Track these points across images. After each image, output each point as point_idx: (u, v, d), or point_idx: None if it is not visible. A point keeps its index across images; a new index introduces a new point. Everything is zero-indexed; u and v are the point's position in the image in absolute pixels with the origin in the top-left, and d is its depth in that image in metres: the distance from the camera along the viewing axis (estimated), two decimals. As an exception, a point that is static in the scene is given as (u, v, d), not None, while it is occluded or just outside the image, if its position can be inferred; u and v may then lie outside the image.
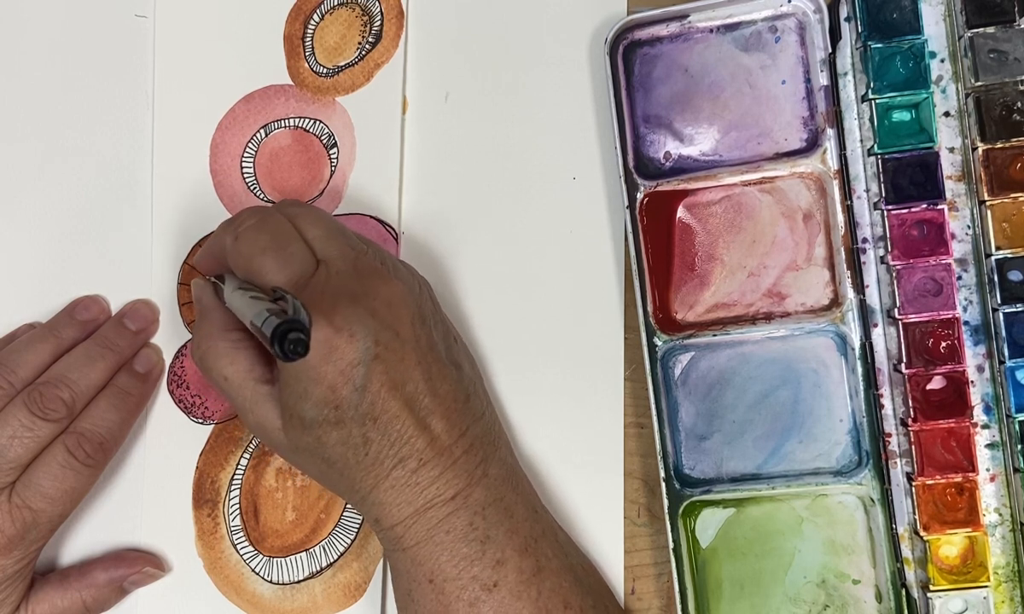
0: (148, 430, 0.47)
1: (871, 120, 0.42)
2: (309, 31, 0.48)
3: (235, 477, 0.47)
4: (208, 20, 0.49)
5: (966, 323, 0.42)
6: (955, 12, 0.42)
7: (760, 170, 0.44)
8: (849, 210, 0.43)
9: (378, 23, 0.48)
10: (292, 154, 0.48)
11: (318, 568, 0.46)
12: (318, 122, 0.48)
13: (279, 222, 0.40)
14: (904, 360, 0.41)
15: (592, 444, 0.45)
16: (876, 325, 0.43)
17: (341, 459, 0.39)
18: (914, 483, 0.41)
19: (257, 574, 0.46)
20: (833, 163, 0.43)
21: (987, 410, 0.42)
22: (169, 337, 0.48)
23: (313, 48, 0.48)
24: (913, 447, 0.41)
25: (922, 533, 0.41)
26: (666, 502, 0.43)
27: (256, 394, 0.40)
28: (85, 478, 0.43)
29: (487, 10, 0.47)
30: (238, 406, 0.41)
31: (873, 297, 0.43)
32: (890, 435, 0.42)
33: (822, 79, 0.44)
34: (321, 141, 0.48)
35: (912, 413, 0.41)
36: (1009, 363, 0.41)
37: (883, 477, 0.42)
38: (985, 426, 0.42)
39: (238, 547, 0.46)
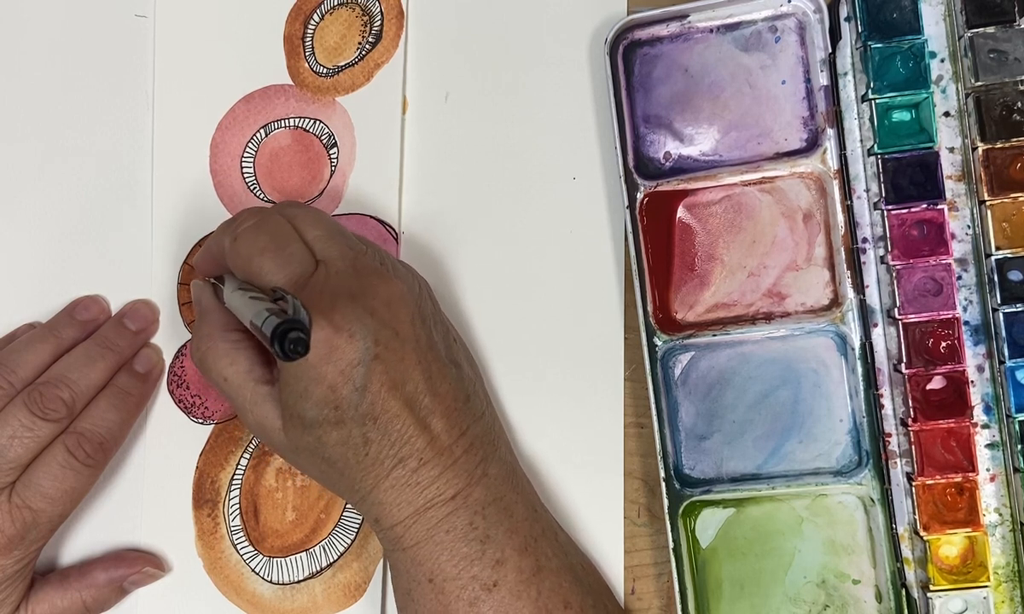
0: (148, 430, 0.47)
1: (871, 120, 0.42)
2: (309, 31, 0.48)
3: (235, 477, 0.47)
4: (208, 20, 0.49)
5: (966, 323, 0.42)
6: (955, 12, 0.42)
7: (760, 170, 0.44)
8: (849, 210, 0.43)
9: (378, 23, 0.48)
10: (292, 154, 0.48)
11: (318, 568, 0.46)
12: (318, 122, 0.48)
13: (278, 223, 0.40)
14: (904, 360, 0.41)
15: (592, 444, 0.45)
16: (876, 325, 0.43)
17: (341, 459, 0.39)
18: (914, 483, 0.41)
19: (257, 574, 0.46)
20: (833, 163, 0.43)
21: (987, 410, 0.42)
22: (169, 337, 0.48)
23: (313, 48, 0.48)
24: (913, 447, 0.41)
25: (922, 533, 0.41)
26: (666, 502, 0.43)
27: (256, 394, 0.40)
28: (85, 478, 0.43)
29: (487, 10, 0.47)
30: (238, 406, 0.41)
31: (873, 297, 0.43)
32: (890, 435, 0.42)
33: (822, 79, 0.44)
34: (321, 141, 0.48)
35: (912, 413, 0.41)
36: (1009, 363, 0.41)
37: (883, 477, 0.42)
38: (985, 426, 0.42)
39: (238, 547, 0.46)
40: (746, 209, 0.44)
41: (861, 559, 0.43)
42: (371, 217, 0.47)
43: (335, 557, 0.46)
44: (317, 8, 0.48)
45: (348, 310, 0.37)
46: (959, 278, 0.42)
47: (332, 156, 0.48)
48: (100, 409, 0.44)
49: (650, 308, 0.44)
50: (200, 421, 0.47)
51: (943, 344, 0.41)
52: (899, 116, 0.42)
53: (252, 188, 0.48)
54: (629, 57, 0.45)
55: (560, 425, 0.45)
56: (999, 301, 0.41)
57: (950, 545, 0.41)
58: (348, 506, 0.46)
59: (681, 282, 0.44)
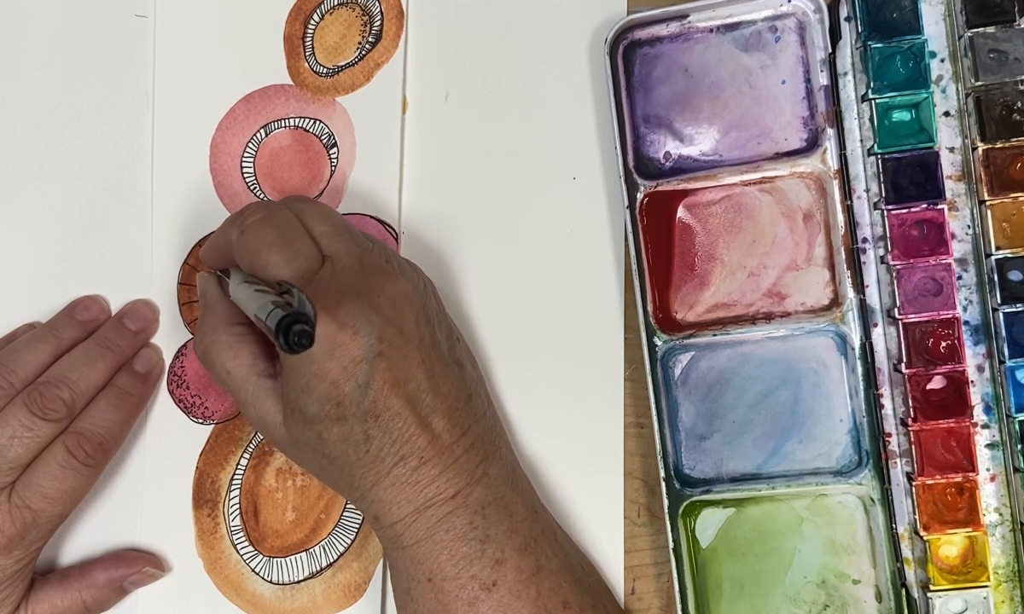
0: (148, 430, 0.47)
1: (871, 120, 0.42)
2: (309, 31, 0.48)
3: (235, 477, 0.47)
4: (208, 20, 0.49)
5: (966, 323, 0.42)
6: (955, 12, 0.42)
7: (760, 170, 0.44)
8: (849, 210, 0.43)
9: (378, 23, 0.48)
10: (292, 154, 0.48)
11: (318, 568, 0.46)
12: (318, 122, 0.48)
13: (286, 217, 0.40)
14: (904, 360, 0.41)
15: (592, 444, 0.45)
16: (876, 325, 0.43)
17: (342, 455, 0.39)
18: (914, 483, 0.41)
19: (257, 574, 0.46)
20: (833, 163, 0.43)
21: (987, 410, 0.42)
22: (169, 337, 0.48)
23: (313, 48, 0.48)
24: (913, 447, 0.41)
25: (922, 533, 0.41)
26: (666, 502, 0.43)
27: (258, 388, 0.40)
28: (85, 478, 0.43)
29: (487, 10, 0.47)
30: (240, 400, 0.41)
31: (873, 297, 0.43)
32: (890, 435, 0.42)
33: (822, 79, 0.44)
34: (321, 141, 0.48)
35: (912, 413, 0.41)
36: (1009, 363, 0.41)
37: (883, 477, 0.42)
38: (985, 426, 0.42)
39: (238, 547, 0.46)
40: (746, 209, 0.44)
41: (861, 559, 0.43)
42: (371, 217, 0.47)
43: (335, 557, 0.46)
44: (317, 8, 0.48)
45: (353, 307, 0.37)
46: (959, 278, 0.42)
47: (332, 156, 0.48)
48: (100, 409, 0.44)
49: (650, 308, 0.44)
50: (200, 421, 0.47)
51: (943, 344, 0.41)
52: (899, 116, 0.42)
53: (252, 188, 0.48)
54: (629, 57, 0.45)
55: (560, 425, 0.45)
56: (999, 301, 0.41)
57: (950, 545, 0.41)
58: (348, 506, 0.46)
59: (681, 282, 0.44)
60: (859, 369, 0.43)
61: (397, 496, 0.39)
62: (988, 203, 0.41)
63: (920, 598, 0.42)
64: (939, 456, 0.41)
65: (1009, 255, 0.41)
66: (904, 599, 0.42)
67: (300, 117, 0.48)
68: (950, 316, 0.41)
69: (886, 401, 0.43)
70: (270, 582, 0.46)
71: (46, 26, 0.50)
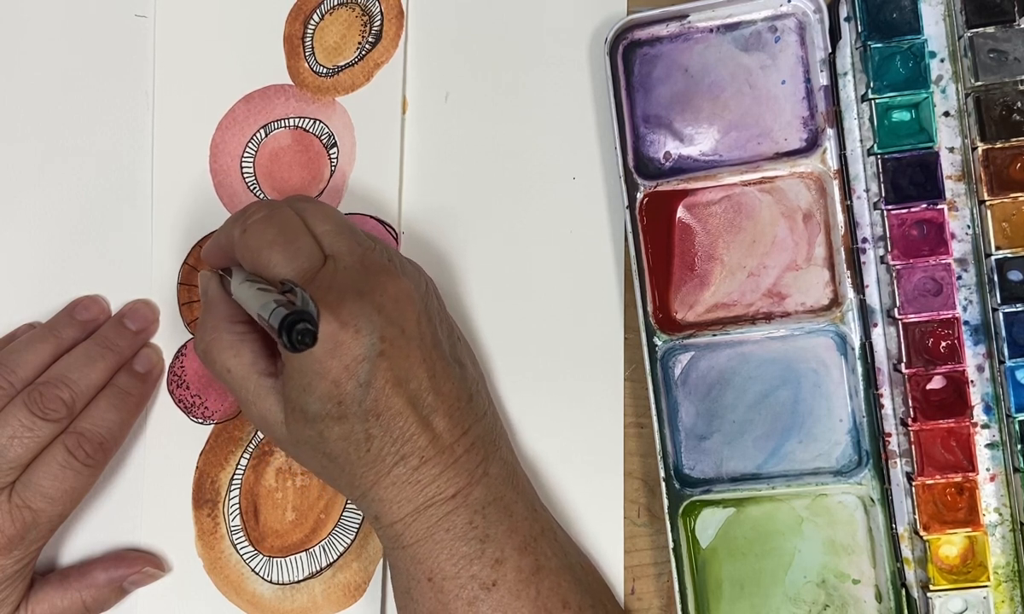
0: (148, 430, 0.47)
1: (871, 120, 0.42)
2: (309, 31, 0.48)
3: (235, 477, 0.47)
4: (208, 20, 0.49)
5: (966, 323, 0.42)
6: (955, 12, 0.42)
7: (760, 170, 0.44)
8: (849, 210, 0.43)
9: (378, 23, 0.48)
10: (292, 154, 0.48)
11: (318, 568, 0.46)
12: (318, 122, 0.48)
13: (288, 216, 0.40)
14: (904, 360, 0.41)
15: (592, 444, 0.45)
16: (876, 325, 0.43)
17: (342, 454, 0.39)
18: (914, 483, 0.41)
19: (257, 574, 0.46)
20: (833, 163, 0.43)
21: (987, 410, 0.42)
22: (169, 337, 0.48)
23: (313, 48, 0.48)
24: (913, 447, 0.41)
25: (922, 533, 0.41)
26: (666, 502, 0.43)
27: (259, 387, 0.40)
28: (85, 478, 0.43)
29: (487, 10, 0.47)
30: (240, 398, 0.41)
31: (873, 297, 0.43)
32: (890, 435, 0.42)
33: (822, 79, 0.44)
34: (321, 141, 0.48)
35: (912, 413, 0.41)
36: (1009, 363, 0.41)
37: (883, 477, 0.42)
38: (985, 426, 0.42)
39: (238, 547, 0.46)
40: (746, 209, 0.44)
41: (861, 559, 0.43)
42: (371, 217, 0.47)
43: (335, 557, 0.46)
44: (317, 8, 0.48)
45: (355, 306, 0.37)
46: (959, 278, 0.42)
47: (332, 156, 0.48)
48: (100, 409, 0.44)
49: (650, 308, 0.44)
50: (200, 421, 0.47)
51: (943, 344, 0.41)
52: (899, 116, 0.42)
53: (252, 188, 0.48)
54: (629, 57, 0.45)
55: (560, 425, 0.45)
56: (999, 301, 0.41)
57: (950, 545, 0.41)
58: (348, 506, 0.46)
59: (681, 282, 0.44)
60: (859, 369, 0.43)
61: (397, 495, 0.39)
62: (988, 203, 0.41)
63: (920, 598, 0.42)
64: (939, 456, 0.41)
65: (1009, 255, 0.41)
66: (904, 599, 0.42)
67: (300, 117, 0.48)
68: (950, 316, 0.41)
69: (886, 401, 0.43)
70: (270, 582, 0.46)
71: (46, 26, 0.50)
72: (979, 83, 0.41)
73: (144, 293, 0.48)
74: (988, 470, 0.42)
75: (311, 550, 0.46)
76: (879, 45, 0.42)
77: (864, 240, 0.43)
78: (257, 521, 0.46)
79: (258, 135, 0.48)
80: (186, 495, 0.47)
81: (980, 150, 0.41)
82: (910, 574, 0.42)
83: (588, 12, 0.47)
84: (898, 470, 0.42)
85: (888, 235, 0.42)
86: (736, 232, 0.44)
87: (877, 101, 0.42)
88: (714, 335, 0.44)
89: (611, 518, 0.45)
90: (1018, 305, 0.41)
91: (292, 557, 0.46)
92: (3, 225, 0.49)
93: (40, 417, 0.42)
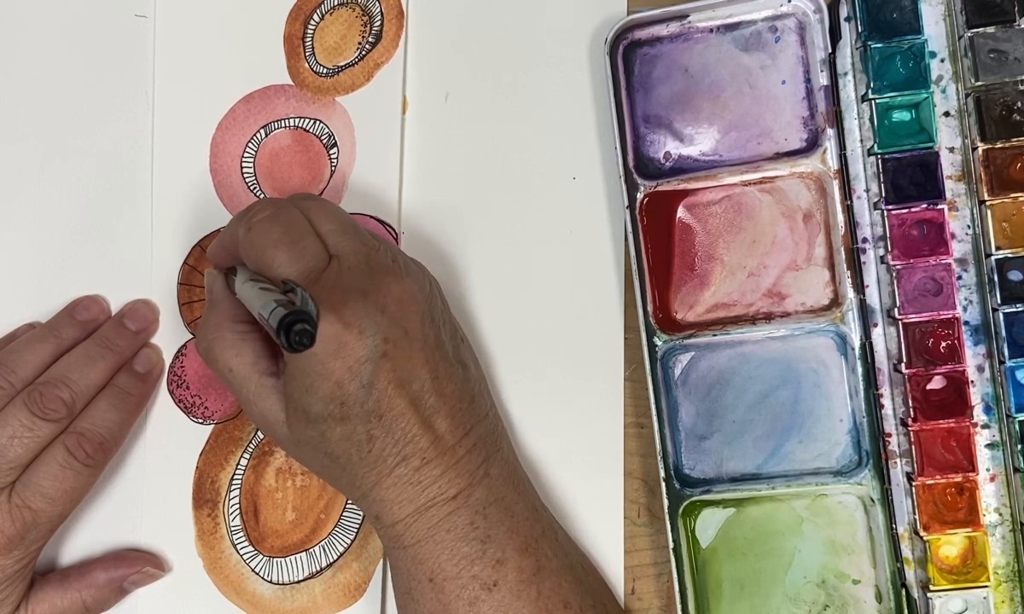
0: (148, 430, 0.47)
1: (871, 120, 0.42)
2: (309, 31, 0.48)
3: (235, 477, 0.47)
4: (208, 20, 0.49)
5: (966, 323, 0.42)
6: (955, 12, 0.42)
7: (760, 170, 0.44)
8: (849, 210, 0.43)
9: (378, 23, 0.48)
10: (292, 154, 0.48)
11: (318, 568, 0.46)
12: (318, 122, 0.48)
13: (293, 215, 0.40)
14: (904, 360, 0.41)
15: (592, 444, 0.45)
16: (876, 325, 0.43)
17: (344, 455, 0.39)
18: (914, 483, 0.41)
19: (257, 574, 0.46)
20: (833, 163, 0.43)
21: (987, 410, 0.42)
22: (169, 337, 0.48)
23: (313, 48, 0.48)
24: (913, 447, 0.41)
25: (922, 533, 0.41)
26: (666, 502, 0.43)
27: (260, 386, 0.40)
28: (85, 478, 0.43)
29: (487, 10, 0.47)
30: (241, 398, 0.41)
31: (873, 297, 0.43)
32: (890, 435, 0.42)
33: (822, 79, 0.44)
34: (321, 141, 0.48)
35: (912, 413, 0.41)
36: (1009, 363, 0.41)
37: (883, 477, 0.42)
38: (985, 426, 0.42)
39: (238, 547, 0.46)
40: (746, 209, 0.44)
41: (861, 559, 0.43)
42: (371, 217, 0.47)
43: (335, 557, 0.46)
44: (317, 8, 0.48)
45: (359, 306, 0.37)
46: (959, 278, 0.42)
47: (332, 156, 0.48)
48: (100, 409, 0.44)
49: (650, 308, 0.44)
50: (200, 421, 0.47)
51: (943, 344, 0.41)
52: (899, 116, 0.42)
53: (252, 188, 0.48)
54: (629, 57, 0.45)
55: (560, 425, 0.45)
56: (999, 301, 0.41)
57: (950, 545, 0.41)
58: (348, 506, 0.46)
59: (681, 282, 0.44)
60: (859, 369, 0.43)
61: (399, 496, 0.39)
62: (988, 203, 0.41)
63: (920, 598, 0.42)
64: (939, 456, 0.41)
65: (1009, 255, 0.41)
66: (904, 599, 0.42)
67: (300, 117, 0.48)
68: (950, 316, 0.41)
69: (886, 401, 0.43)
70: (270, 582, 0.46)
71: (46, 26, 0.50)
72: (979, 83, 0.41)
73: (144, 293, 0.48)
74: (988, 470, 0.42)
75: (311, 550, 0.46)
76: (879, 45, 0.42)
77: (864, 240, 0.43)
78: (257, 521, 0.46)
79: (258, 135, 0.48)
80: (186, 495, 0.47)
81: (980, 150, 0.41)
82: (910, 574, 0.42)
83: (588, 12, 0.47)
84: (898, 470, 0.42)
85: (888, 235, 0.42)
86: (736, 232, 0.44)
87: (877, 101, 0.42)
88: (714, 335, 0.44)
89: (611, 518, 0.45)
90: (1018, 305, 0.41)
91: (292, 557, 0.46)
92: (3, 225, 0.49)
93: (40, 417, 0.42)
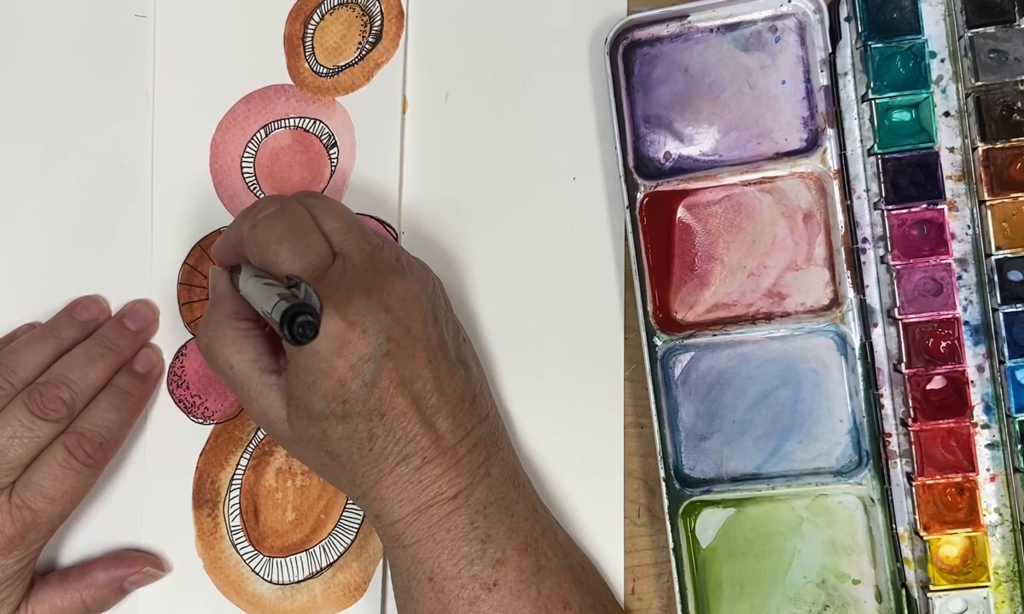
0: (148, 430, 0.47)
1: (871, 120, 0.42)
2: (309, 31, 0.48)
3: (235, 477, 0.47)
4: (208, 20, 0.49)
5: (966, 323, 0.42)
6: (955, 12, 0.42)
7: (760, 170, 0.44)
8: (849, 210, 0.43)
9: (378, 23, 0.48)
10: (292, 154, 0.48)
11: (318, 568, 0.46)
12: (318, 122, 0.48)
13: (298, 212, 0.40)
14: (904, 360, 0.41)
15: (592, 444, 0.45)
16: (876, 325, 0.43)
17: (345, 453, 0.39)
18: (914, 483, 0.41)
19: (257, 574, 0.46)
20: (833, 163, 0.43)
21: (987, 410, 0.42)
22: (169, 337, 0.48)
23: (313, 48, 0.48)
24: (913, 447, 0.41)
25: (922, 533, 0.41)
26: (666, 502, 0.43)
27: (261, 383, 0.40)
28: (85, 478, 0.43)
29: (487, 10, 0.47)
30: (242, 395, 0.41)
31: (873, 297, 0.43)
32: (890, 435, 0.42)
33: (822, 79, 0.44)
34: (321, 141, 0.48)
35: (912, 413, 0.41)
36: (1009, 363, 0.41)
37: (883, 477, 0.42)
38: (985, 426, 0.42)
39: (238, 547, 0.46)
40: (746, 209, 0.44)
41: (861, 559, 0.43)
42: (371, 217, 0.47)
43: (335, 557, 0.46)
44: (317, 8, 0.48)
45: (362, 305, 0.37)
46: (959, 278, 0.42)
47: (332, 156, 0.48)
48: (100, 409, 0.44)
49: (650, 308, 0.44)
50: (200, 421, 0.47)
51: (943, 344, 0.41)
52: (899, 116, 0.42)
53: (252, 188, 0.48)
54: (629, 57, 0.45)
55: (560, 425, 0.45)
56: (999, 301, 0.41)
57: (950, 545, 0.41)
58: (348, 506, 0.46)
59: (681, 282, 0.44)
60: (859, 369, 0.43)
61: (399, 495, 0.39)
62: (988, 203, 0.41)
63: (920, 598, 0.42)
64: (939, 456, 0.41)
65: (1009, 255, 0.41)
66: (904, 599, 0.42)
67: (300, 117, 0.48)
68: (950, 316, 0.41)
69: (886, 401, 0.43)
70: (270, 582, 0.46)
71: (46, 26, 0.50)
72: (979, 83, 0.41)
73: (144, 293, 0.48)
74: (988, 470, 0.42)
75: (311, 550, 0.46)
76: (879, 45, 0.42)
77: (864, 240, 0.43)
78: (257, 521, 0.46)
79: (258, 135, 0.48)
80: (186, 495, 0.47)
81: (980, 150, 0.41)
82: (910, 574, 0.42)
83: (588, 12, 0.47)
84: (898, 470, 0.42)
85: (888, 235, 0.42)
86: (736, 232, 0.44)
87: (877, 101, 0.42)
88: (714, 335, 0.44)
89: (611, 518, 0.45)
90: (1018, 305, 0.41)
91: (292, 557, 0.46)
92: (3, 225, 0.49)
93: (40, 417, 0.42)
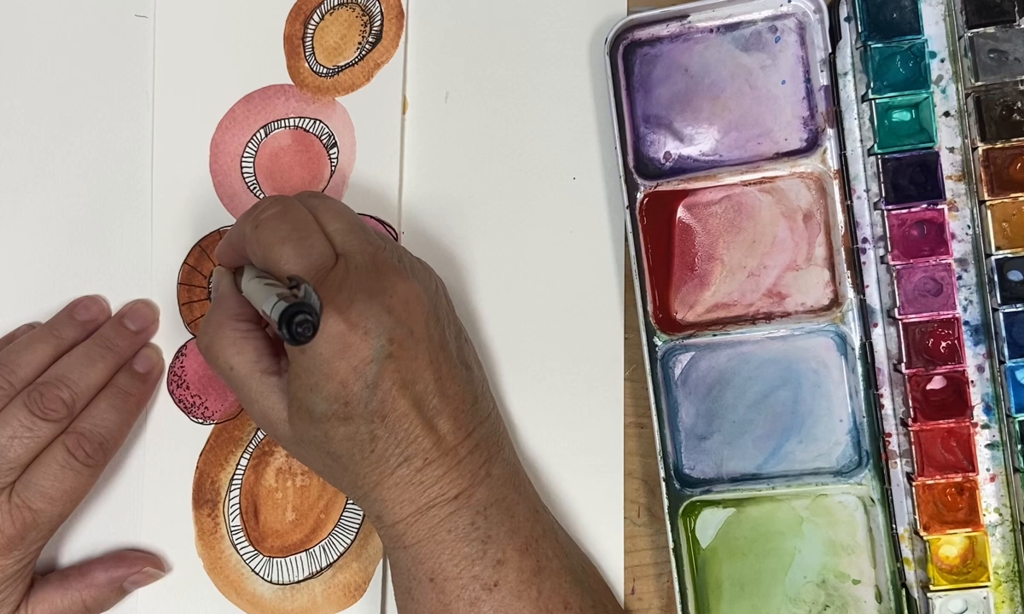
0: (148, 430, 0.47)
1: (871, 120, 0.42)
2: (309, 31, 0.48)
3: (235, 477, 0.47)
4: (208, 20, 0.49)
5: (966, 323, 0.42)
6: (955, 12, 0.42)
7: (760, 170, 0.44)
8: (849, 210, 0.43)
9: (378, 23, 0.48)
10: (292, 154, 0.48)
11: (318, 568, 0.46)
12: (318, 122, 0.48)
13: (300, 212, 0.40)
14: (904, 360, 0.41)
15: (592, 444, 0.45)
16: (876, 325, 0.43)
17: (346, 454, 0.39)
18: (914, 483, 0.41)
19: (257, 574, 0.46)
20: (833, 163, 0.43)
21: (987, 410, 0.42)
22: (169, 337, 0.48)
23: (313, 48, 0.48)
24: (913, 447, 0.41)
25: (922, 533, 0.41)
26: (666, 502, 0.43)
27: (262, 384, 0.40)
28: (85, 478, 0.43)
29: (487, 10, 0.47)
30: (242, 396, 0.41)
31: (873, 297, 0.43)
32: (890, 435, 0.42)
33: (822, 79, 0.44)
34: (321, 141, 0.48)
35: (912, 413, 0.41)
36: (1009, 363, 0.41)
37: (883, 477, 0.42)
38: (985, 426, 0.42)
39: (238, 547, 0.46)
40: (746, 209, 0.44)
41: (861, 559, 0.43)
42: (371, 217, 0.47)
43: (335, 557, 0.46)
44: (317, 8, 0.48)
45: (365, 307, 0.37)
46: (959, 278, 0.42)
47: (332, 156, 0.48)
48: (100, 409, 0.44)
49: (650, 308, 0.44)
50: (200, 421, 0.47)
51: (943, 344, 0.41)
52: (899, 116, 0.42)
53: (252, 188, 0.48)
54: (629, 57, 0.45)
55: (560, 425, 0.45)
56: (999, 301, 0.41)
57: (950, 545, 0.41)
58: (348, 506, 0.46)
59: (681, 282, 0.44)
60: (859, 369, 0.43)
61: (400, 496, 0.39)
62: (988, 203, 0.41)
63: (920, 598, 0.42)
64: (939, 456, 0.41)
65: (1009, 255, 0.41)
66: (904, 599, 0.42)
67: (300, 117, 0.48)
68: (950, 316, 0.41)
69: (886, 401, 0.43)
70: (270, 582, 0.46)
71: (46, 26, 0.50)
72: (979, 83, 0.41)
73: (144, 293, 0.48)
74: (988, 470, 0.42)
75: (311, 550, 0.46)
76: (879, 45, 0.42)
77: (864, 240, 0.43)
78: (257, 521, 0.46)
79: (258, 135, 0.48)
80: (186, 495, 0.47)
81: (980, 150, 0.41)
82: (910, 574, 0.42)
83: (588, 12, 0.47)
84: (898, 470, 0.42)
85: (888, 235, 0.42)
86: (736, 232, 0.44)
87: (877, 101, 0.42)
88: (714, 335, 0.44)
89: (611, 518, 0.45)
90: (1018, 305, 0.41)
91: (292, 557, 0.46)
92: (3, 225, 0.49)
93: (40, 417, 0.42)
